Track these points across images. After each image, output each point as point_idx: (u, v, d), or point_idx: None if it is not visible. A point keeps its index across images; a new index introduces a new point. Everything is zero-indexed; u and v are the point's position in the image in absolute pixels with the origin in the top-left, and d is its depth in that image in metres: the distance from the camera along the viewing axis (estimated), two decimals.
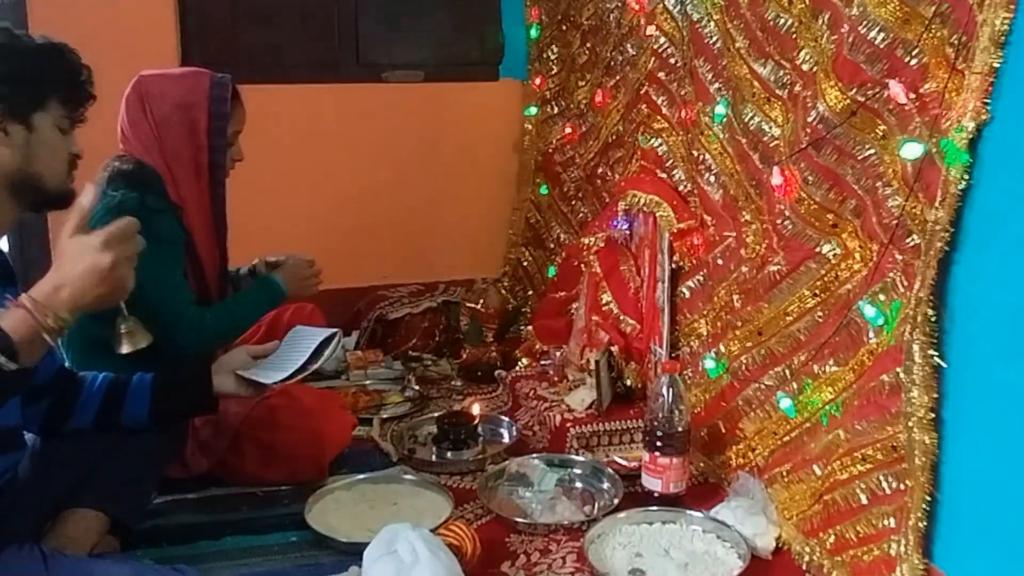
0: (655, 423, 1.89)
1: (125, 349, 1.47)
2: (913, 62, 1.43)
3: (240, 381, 1.71)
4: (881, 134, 1.52)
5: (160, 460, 1.83)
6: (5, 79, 1.40)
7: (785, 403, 1.79)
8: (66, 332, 1.29)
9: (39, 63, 1.44)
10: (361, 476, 2.03)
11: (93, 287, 1.26)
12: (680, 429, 1.88)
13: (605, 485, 1.99)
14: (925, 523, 1.41)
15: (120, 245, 1.28)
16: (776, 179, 1.76)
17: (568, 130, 2.87)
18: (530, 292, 3.13)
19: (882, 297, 1.54)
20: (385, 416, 2.42)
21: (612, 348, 2.27)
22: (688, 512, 1.83)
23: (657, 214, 2.20)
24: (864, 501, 1.53)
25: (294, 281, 2.12)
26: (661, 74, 2.27)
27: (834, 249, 1.68)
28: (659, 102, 2.29)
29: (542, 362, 2.56)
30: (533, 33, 3.03)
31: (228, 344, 2.06)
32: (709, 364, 2.03)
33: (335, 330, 1.81)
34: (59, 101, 1.46)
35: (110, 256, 1.26)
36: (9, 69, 1.40)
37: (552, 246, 3.04)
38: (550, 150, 2.99)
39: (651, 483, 1.91)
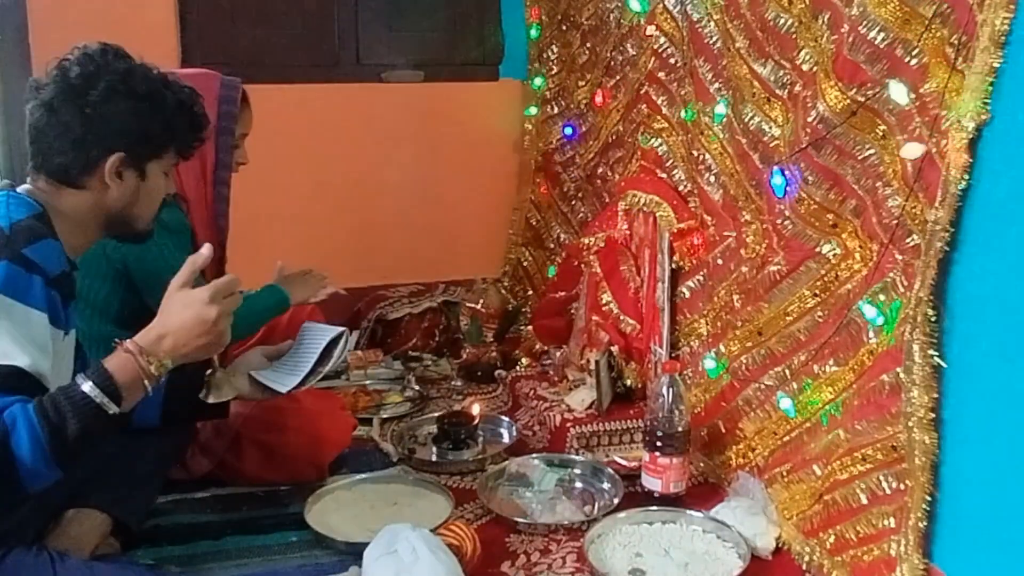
0: (655, 423, 1.89)
1: (212, 398, 1.56)
2: (913, 62, 1.43)
3: (254, 384, 1.70)
4: (881, 134, 1.52)
5: (165, 462, 1.83)
6: (137, 135, 1.42)
7: (785, 403, 1.79)
8: (162, 380, 1.34)
9: (171, 121, 1.47)
10: (361, 476, 2.04)
11: (196, 338, 1.33)
12: (680, 429, 1.88)
13: (605, 485, 1.99)
14: (925, 523, 1.41)
15: (224, 300, 1.35)
16: (777, 179, 1.76)
17: (568, 130, 2.87)
18: (530, 292, 3.13)
19: (882, 297, 1.54)
20: (385, 416, 2.42)
21: (612, 348, 2.27)
22: (688, 512, 1.83)
23: (657, 214, 2.20)
24: (864, 501, 1.53)
25: (292, 285, 2.15)
26: (661, 74, 2.27)
27: (834, 249, 1.68)
28: (659, 102, 2.29)
29: (542, 362, 2.56)
30: (533, 33, 3.03)
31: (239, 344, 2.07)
32: (709, 364, 2.04)
33: (343, 329, 1.82)
34: (175, 152, 1.51)
35: (216, 309, 1.33)
36: (143, 126, 1.42)
37: (552, 246, 3.04)
38: (550, 150, 2.99)
39: (651, 483, 1.91)
